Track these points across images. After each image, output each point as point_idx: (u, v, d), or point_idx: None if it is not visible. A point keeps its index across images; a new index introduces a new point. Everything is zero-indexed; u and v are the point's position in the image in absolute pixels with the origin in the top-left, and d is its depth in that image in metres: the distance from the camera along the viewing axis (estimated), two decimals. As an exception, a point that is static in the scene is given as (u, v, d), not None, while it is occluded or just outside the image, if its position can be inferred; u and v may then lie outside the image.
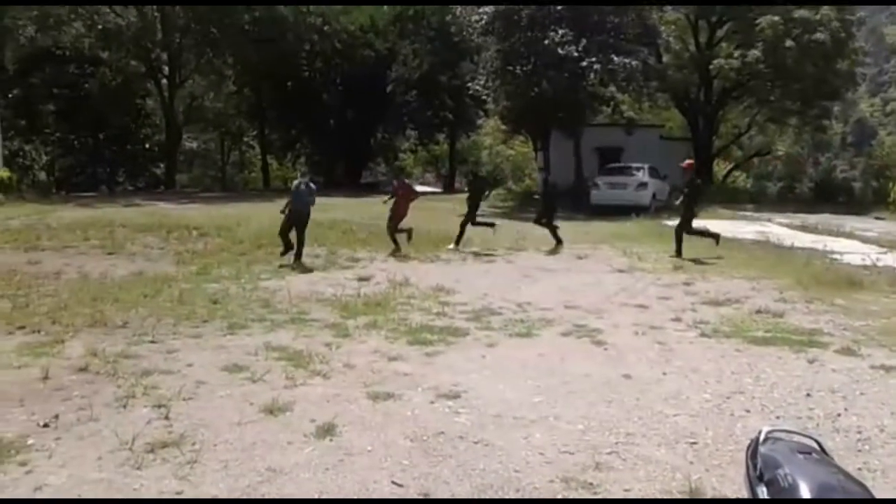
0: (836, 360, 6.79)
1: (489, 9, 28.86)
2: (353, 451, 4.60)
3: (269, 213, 12.06)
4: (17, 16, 35.05)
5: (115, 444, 4.60)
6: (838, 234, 17.98)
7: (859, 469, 4.34)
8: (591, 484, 4.22)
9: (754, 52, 29.10)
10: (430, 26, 41.73)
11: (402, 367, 6.43)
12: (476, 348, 7.18)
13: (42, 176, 36.51)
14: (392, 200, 14.49)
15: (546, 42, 26.70)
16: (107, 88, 37.46)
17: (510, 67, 28.42)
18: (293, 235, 12.66)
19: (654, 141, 32.97)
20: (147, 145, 42.32)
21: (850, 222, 21.04)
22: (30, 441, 4.66)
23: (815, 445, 2.55)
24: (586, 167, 30.04)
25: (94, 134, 39.07)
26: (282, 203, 13.43)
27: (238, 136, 50.02)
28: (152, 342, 7.13)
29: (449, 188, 44.42)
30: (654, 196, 24.67)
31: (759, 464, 2.38)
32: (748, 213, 24.79)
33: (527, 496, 4.10)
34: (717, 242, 14.15)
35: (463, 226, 15.01)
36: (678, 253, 13.65)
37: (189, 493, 4.02)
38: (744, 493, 2.61)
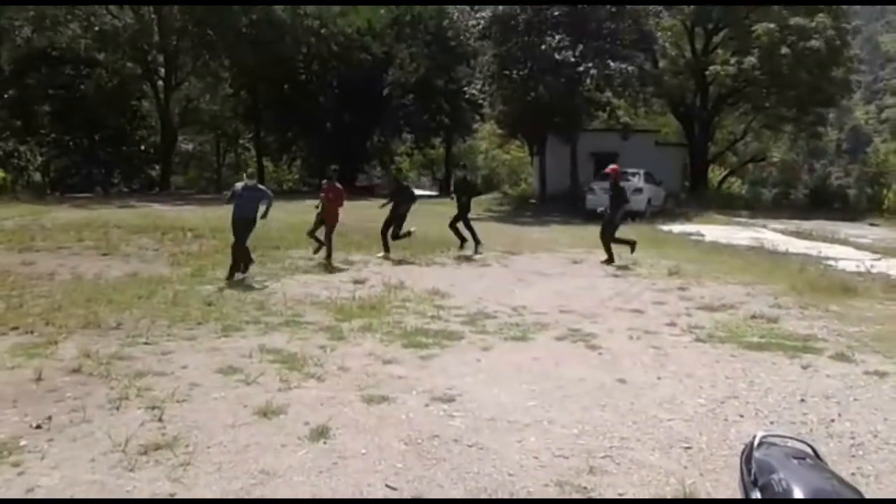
0: (831, 365, 6.80)
1: (486, 13, 28.93)
2: (346, 454, 4.59)
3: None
4: (14, 16, 35.00)
5: (108, 446, 4.58)
6: (833, 240, 18.03)
7: (853, 474, 4.35)
8: (585, 488, 4.22)
9: (750, 59, 29.23)
10: (427, 30, 41.80)
11: (397, 370, 6.43)
12: (471, 352, 7.18)
13: (37, 177, 36.31)
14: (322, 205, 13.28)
15: (543, 47, 26.77)
16: (103, 90, 37.40)
17: (507, 72, 28.48)
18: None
19: (649, 146, 33.05)
20: (142, 147, 42.25)
21: (845, 229, 21.12)
22: (22, 442, 4.64)
23: (809, 451, 2.55)
24: (582, 172, 30.08)
25: (89, 135, 38.97)
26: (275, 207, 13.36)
27: (234, 138, 50.00)
28: (146, 344, 7.11)
29: (445, 192, 44.45)
30: (649, 201, 24.72)
31: (753, 469, 2.39)
32: (743, 219, 24.86)
33: (521, 500, 4.09)
34: (633, 250, 13.67)
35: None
36: (609, 259, 13.43)
37: (182, 496, 4.01)
38: (738, 498, 2.61)
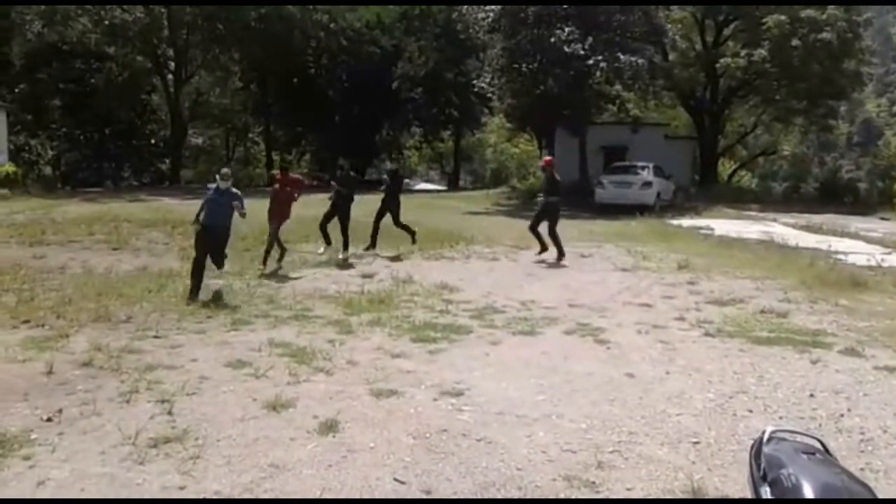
0: (840, 360, 6.78)
1: (496, 6, 28.83)
2: (355, 448, 4.61)
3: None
4: (25, 11, 35.13)
5: (118, 439, 4.61)
6: (843, 234, 17.92)
7: (862, 469, 4.33)
8: (593, 483, 4.22)
9: (761, 52, 29.01)
10: (437, 23, 41.74)
11: (406, 364, 6.44)
12: (479, 346, 7.18)
13: (48, 171, 36.56)
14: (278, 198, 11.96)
15: (552, 40, 26.67)
16: (113, 84, 37.55)
17: (516, 65, 28.41)
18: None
19: (659, 140, 32.90)
20: (152, 141, 42.43)
21: (855, 223, 20.99)
22: (33, 435, 4.67)
23: (818, 446, 2.54)
24: (591, 166, 29.99)
25: (99, 129, 39.16)
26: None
27: (243, 132, 50.10)
28: (156, 337, 7.15)
29: (453, 185, 44.42)
30: (658, 195, 24.63)
31: (762, 464, 2.38)
32: (753, 213, 24.73)
33: (529, 494, 4.10)
34: (560, 259, 12.95)
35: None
36: (560, 255, 12.97)
37: (191, 489, 4.03)
38: (747, 494, 2.61)
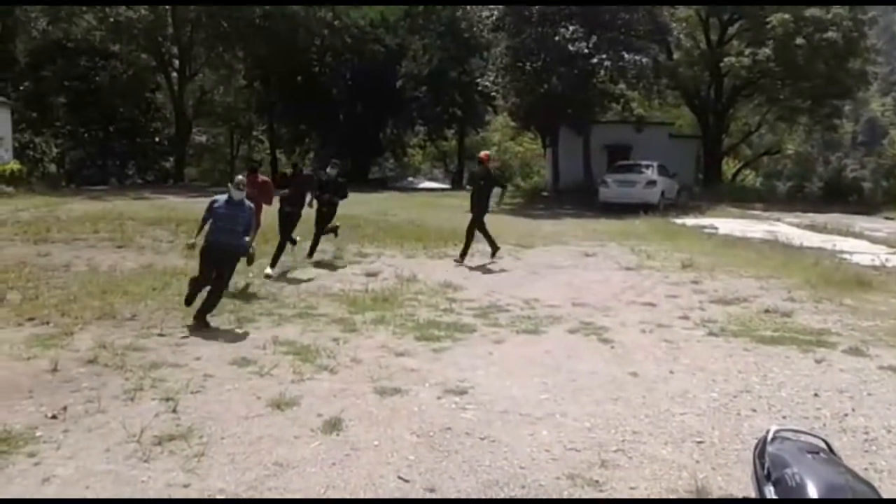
0: (844, 360, 6.77)
1: (500, 5, 28.81)
2: (359, 446, 4.62)
3: (276, 207, 11.51)
4: (30, 8, 35.17)
5: (122, 437, 4.63)
6: (847, 233, 17.88)
7: (866, 469, 4.33)
8: (596, 481, 4.22)
9: (765, 50, 28.95)
10: (441, 22, 41.70)
11: (410, 362, 6.45)
12: (483, 345, 7.19)
13: (52, 168, 36.51)
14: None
15: (556, 38, 26.65)
16: (117, 81, 37.56)
17: (520, 64, 28.40)
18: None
19: (663, 139, 32.87)
20: (157, 139, 42.43)
21: (860, 222, 20.94)
22: (38, 432, 4.69)
23: (823, 445, 2.54)
24: (595, 164, 29.98)
25: (104, 127, 39.18)
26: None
27: (247, 130, 50.06)
28: (161, 335, 7.16)
29: (457, 184, 44.42)
30: (662, 194, 24.60)
31: (766, 463, 2.38)
32: (757, 212, 24.69)
33: (532, 493, 4.10)
34: (494, 255, 12.62)
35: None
36: (463, 256, 12.44)
37: (196, 486, 4.04)
38: (751, 493, 2.61)
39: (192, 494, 3.97)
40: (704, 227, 18.93)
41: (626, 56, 26.64)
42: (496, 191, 13.46)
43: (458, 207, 18.59)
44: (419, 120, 44.88)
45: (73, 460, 4.32)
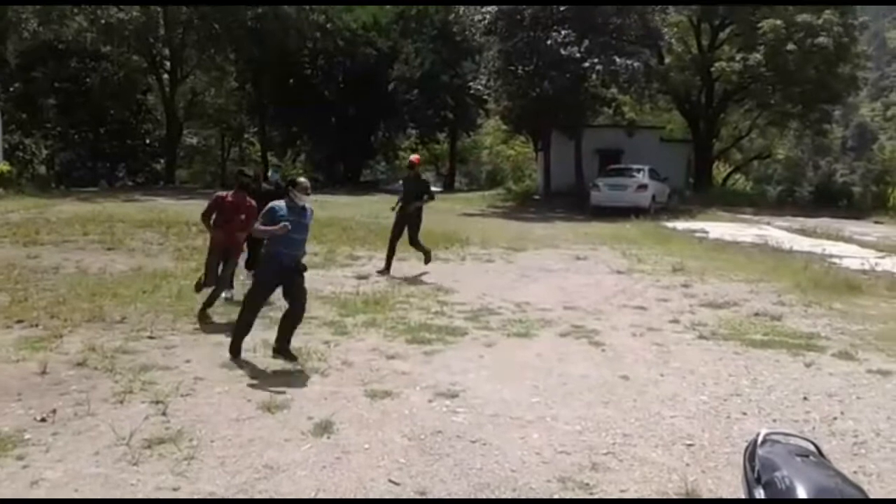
0: (834, 363, 6.80)
1: (492, 8, 28.84)
2: (350, 449, 4.61)
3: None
4: (20, 9, 35.02)
5: (112, 440, 4.61)
6: (837, 238, 17.98)
7: (855, 472, 4.35)
8: (587, 484, 4.23)
9: (756, 56, 29.09)
10: (433, 25, 41.77)
11: (401, 365, 6.44)
12: (474, 348, 7.19)
13: (42, 170, 36.41)
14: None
15: (548, 42, 26.68)
16: (108, 83, 37.44)
17: (512, 67, 28.43)
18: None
19: (654, 143, 33.03)
20: (147, 141, 42.30)
21: (850, 226, 21.05)
22: (27, 435, 4.66)
23: (812, 448, 2.55)
24: (587, 168, 30.04)
25: (94, 128, 39.05)
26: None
27: (238, 132, 49.95)
28: (150, 338, 7.13)
29: (449, 187, 44.44)
30: (653, 198, 24.67)
31: (756, 466, 2.39)
32: (747, 217, 24.80)
33: (523, 496, 4.10)
34: (427, 261, 11.71)
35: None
36: (387, 268, 11.39)
37: (186, 489, 4.02)
38: (741, 495, 2.62)
39: (182, 497, 3.95)
40: (695, 230, 19.01)
41: (618, 60, 26.68)
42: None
43: (448, 210, 18.63)
44: (411, 123, 44.92)
45: (61, 463, 4.29)
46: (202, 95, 44.76)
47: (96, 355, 6.37)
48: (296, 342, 7.07)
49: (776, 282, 11.11)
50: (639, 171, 25.57)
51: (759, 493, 2.29)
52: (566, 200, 28.20)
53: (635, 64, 27.09)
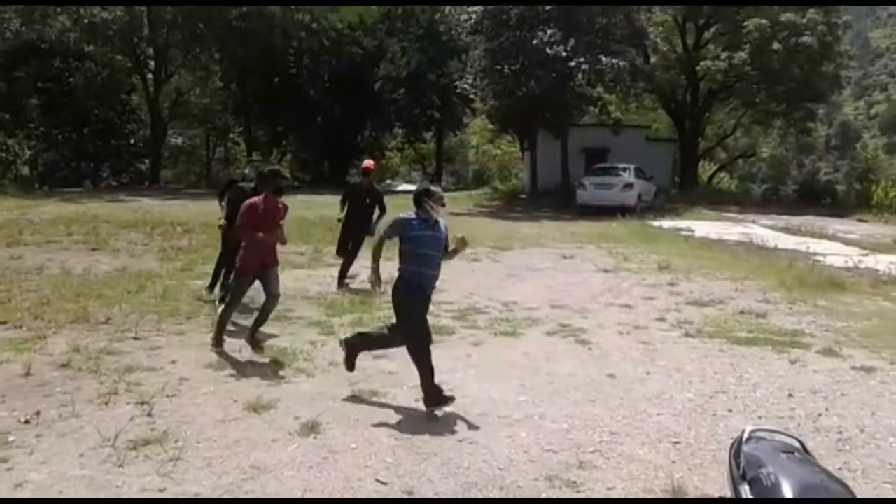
0: (818, 360, 6.85)
1: (478, 8, 28.85)
2: (337, 449, 4.60)
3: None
4: (2, 9, 34.69)
5: (97, 441, 4.57)
6: (821, 236, 18.11)
7: (840, 469, 4.38)
8: (574, 482, 4.23)
9: (741, 55, 29.28)
10: (419, 24, 41.71)
11: (387, 365, 6.43)
12: (461, 347, 7.19)
13: (25, 170, 36.09)
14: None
15: (534, 42, 26.72)
16: (92, 83, 37.11)
17: (498, 66, 28.43)
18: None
19: (640, 142, 33.14)
20: (132, 141, 41.97)
21: (834, 224, 21.21)
22: (10, 437, 4.61)
23: (797, 445, 2.57)
24: (573, 167, 30.11)
25: (78, 129, 38.70)
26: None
27: (224, 132, 49.68)
28: (136, 339, 7.08)
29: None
30: (639, 197, 24.75)
31: (742, 463, 2.40)
32: (732, 215, 24.92)
33: (511, 494, 4.11)
34: (339, 284, 10.20)
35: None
36: (340, 281, 10.27)
37: (172, 491, 4.00)
38: (727, 492, 2.63)
39: (168, 498, 3.93)
40: (681, 229, 19.09)
41: (604, 60, 26.74)
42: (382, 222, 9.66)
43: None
44: (397, 122, 44.82)
45: (46, 465, 4.25)
46: (187, 95, 44.48)
47: (81, 356, 6.32)
48: (282, 342, 7.06)
49: (761, 280, 11.17)
50: (625, 169, 25.65)
51: (745, 490, 2.30)
52: (553, 199, 28.26)
53: (621, 63, 27.16)
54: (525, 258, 13.70)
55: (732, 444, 2.60)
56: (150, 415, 5.06)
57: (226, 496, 3.97)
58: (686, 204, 27.39)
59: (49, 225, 15.42)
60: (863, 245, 16.41)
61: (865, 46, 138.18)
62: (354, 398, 5.55)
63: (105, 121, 39.36)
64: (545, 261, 13.40)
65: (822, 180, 39.50)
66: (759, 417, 5.33)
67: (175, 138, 47.76)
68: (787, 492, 2.12)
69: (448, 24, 37.79)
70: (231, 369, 6.16)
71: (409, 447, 4.67)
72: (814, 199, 31.88)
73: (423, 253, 5.62)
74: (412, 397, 5.57)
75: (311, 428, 4.89)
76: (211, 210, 15.19)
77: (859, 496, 2.35)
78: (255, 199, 6.93)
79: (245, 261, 6.86)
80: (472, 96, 35.43)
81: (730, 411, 5.49)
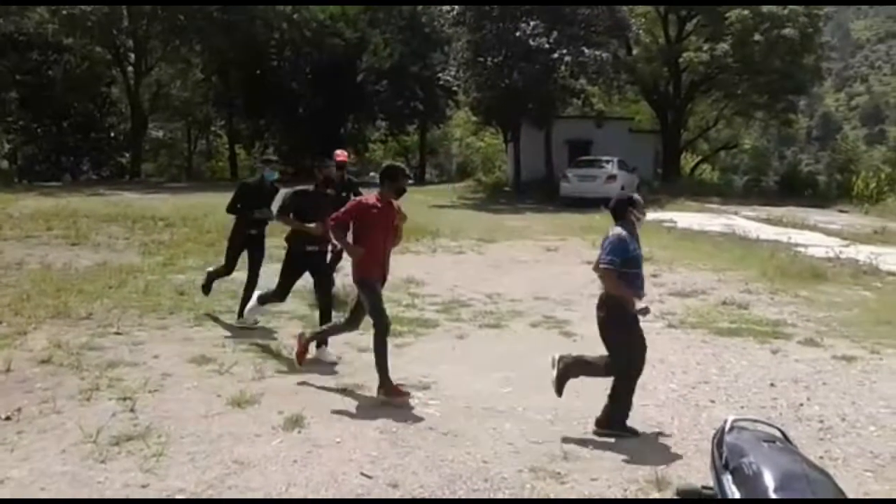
0: (800, 350, 6.91)
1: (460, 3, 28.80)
2: (321, 443, 4.59)
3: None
4: (-22, 1, 34.25)
5: (78, 437, 4.53)
6: (803, 226, 18.26)
7: (821, 457, 4.42)
8: (558, 474, 4.25)
9: (723, 46, 29.39)
10: (401, 16, 41.56)
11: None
12: (446, 340, 7.20)
13: (4, 165, 35.74)
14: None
15: (517, 34, 26.72)
16: (71, 76, 36.70)
17: (481, 58, 28.40)
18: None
19: (623, 134, 33.22)
20: (112, 134, 41.55)
21: (815, 215, 21.38)
22: (-9, 434, 4.57)
23: (779, 434, 2.59)
24: (556, 159, 30.14)
25: (57, 122, 38.28)
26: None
27: (205, 124, 49.32)
28: (117, 334, 7.03)
29: (419, 179, 44.35)
30: (622, 188, 24.74)
31: (724, 452, 2.42)
32: (715, 206, 25.05)
33: (495, 486, 4.11)
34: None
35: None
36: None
37: (155, 486, 3.97)
38: (709, 482, 2.64)
39: (151, 494, 3.91)
40: (663, 220, 19.15)
41: (587, 51, 26.76)
42: None
43: (419, 202, 18.56)
44: (380, 114, 44.65)
45: (27, 462, 4.22)
46: (167, 88, 44.08)
47: (62, 352, 6.27)
48: (266, 337, 7.03)
49: (743, 270, 11.25)
50: (608, 161, 25.71)
51: (727, 479, 2.32)
52: (536, 191, 28.28)
53: (604, 55, 27.20)
54: (509, 250, 13.72)
55: (715, 434, 2.62)
56: (132, 410, 5.02)
57: (209, 491, 3.95)
58: (668, 195, 27.48)
59: (28, 219, 15.24)
60: (844, 235, 16.56)
61: (846, 38, 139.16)
62: (339, 391, 5.54)
63: (85, 114, 38.95)
64: (529, 253, 13.43)
65: (804, 171, 39.77)
66: (742, 407, 5.37)
67: (156, 131, 47.34)
68: (769, 480, 2.14)
69: (430, 15, 37.72)
70: (215, 364, 6.13)
71: (394, 440, 4.67)
72: (795, 190, 32.10)
73: (637, 275, 5.24)
74: (396, 390, 5.56)
75: (295, 422, 4.87)
76: (192, 203, 15.11)
77: (840, 484, 2.37)
78: (364, 198, 6.10)
79: (364, 271, 5.76)
80: (455, 88, 35.35)
81: (712, 401, 5.54)
